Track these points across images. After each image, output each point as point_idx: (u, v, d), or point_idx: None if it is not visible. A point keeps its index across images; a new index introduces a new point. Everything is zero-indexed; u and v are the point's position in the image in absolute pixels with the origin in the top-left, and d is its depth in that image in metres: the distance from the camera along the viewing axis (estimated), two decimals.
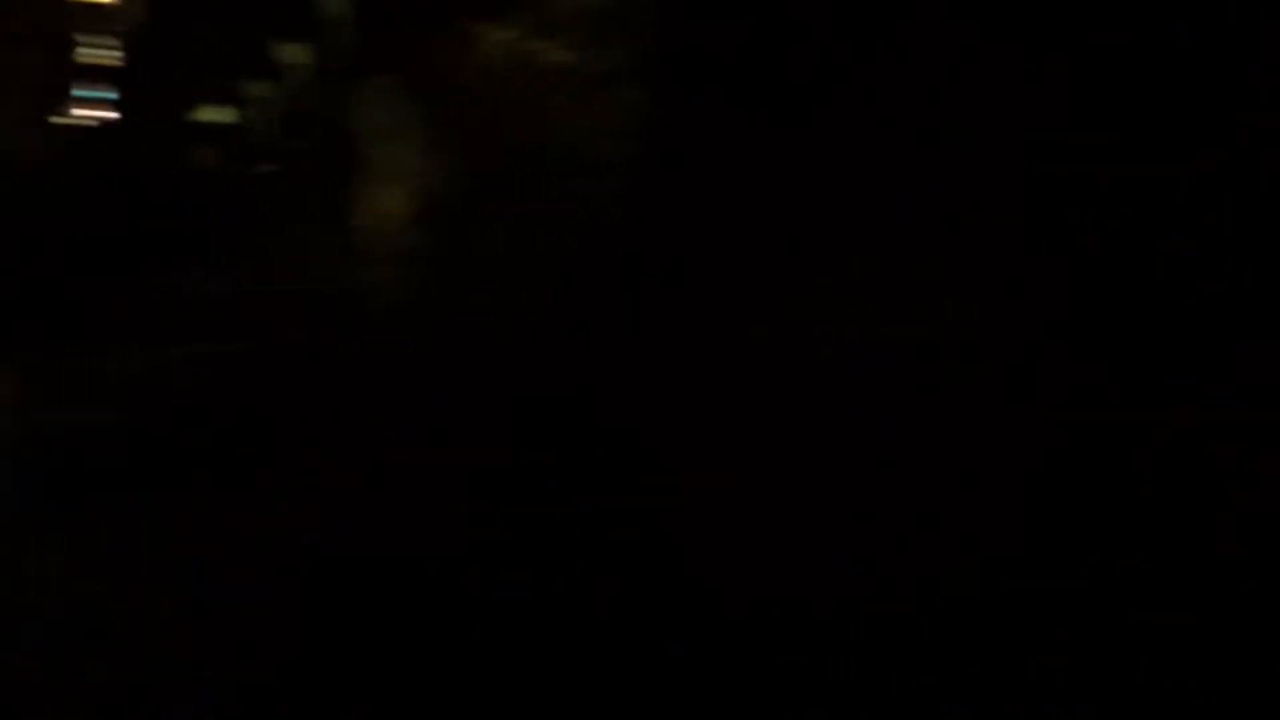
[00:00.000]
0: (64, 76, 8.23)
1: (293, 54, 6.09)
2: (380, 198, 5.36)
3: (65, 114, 8.46)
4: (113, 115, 8.27)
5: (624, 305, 4.87)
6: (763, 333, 4.52)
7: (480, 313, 5.01)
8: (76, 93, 8.35)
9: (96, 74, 8.42)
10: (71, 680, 4.64)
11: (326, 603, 4.67)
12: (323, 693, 4.25)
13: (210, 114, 6.80)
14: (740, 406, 4.38)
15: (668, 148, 5.01)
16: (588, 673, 3.89)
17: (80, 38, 8.27)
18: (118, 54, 8.12)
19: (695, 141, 5.01)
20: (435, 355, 5.06)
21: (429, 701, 4.03)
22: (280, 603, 4.72)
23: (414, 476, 4.86)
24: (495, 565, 4.44)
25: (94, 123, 8.38)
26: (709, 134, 5.02)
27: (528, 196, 4.99)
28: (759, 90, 4.90)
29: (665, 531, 4.21)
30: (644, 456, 4.42)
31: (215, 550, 5.06)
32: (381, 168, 5.33)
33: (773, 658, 3.66)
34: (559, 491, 4.54)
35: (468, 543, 4.60)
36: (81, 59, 8.22)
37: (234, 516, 5.16)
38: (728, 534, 4.13)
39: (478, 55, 5.18)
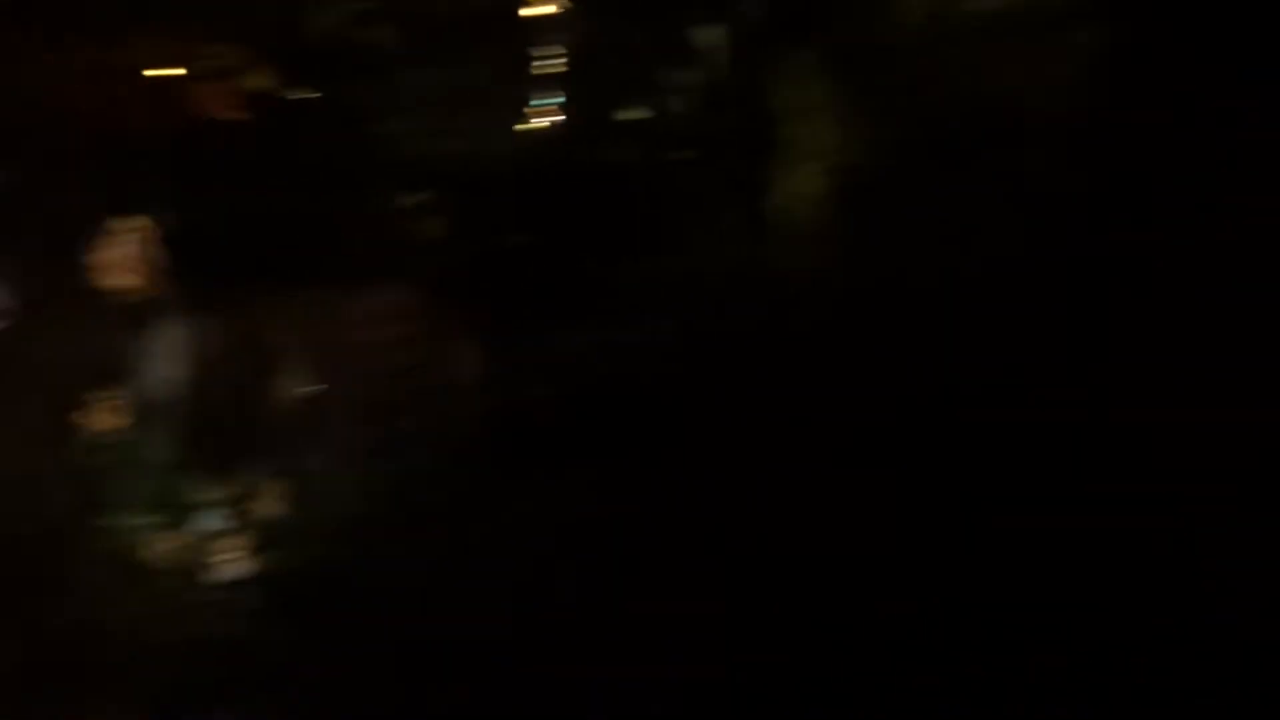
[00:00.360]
0: (520, 86, 8.96)
1: (709, 37, 6.10)
2: (798, 176, 5.14)
3: (524, 120, 9.24)
4: (556, 117, 8.85)
5: (1077, 291, 4.29)
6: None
7: (910, 298, 4.63)
8: (533, 102, 9.06)
9: (544, 81, 9.06)
10: (537, 631, 5.14)
11: (741, 593, 4.61)
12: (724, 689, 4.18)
13: (637, 107, 7.04)
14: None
15: (1130, 104, 4.34)
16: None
17: (531, 49, 8.93)
18: (559, 60, 8.68)
19: (1165, 96, 4.30)
20: (858, 341, 4.75)
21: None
22: (697, 587, 4.73)
23: (830, 469, 4.61)
24: (913, 573, 4.12)
25: (543, 125, 9.04)
26: (1182, 87, 4.28)
27: (961, 166, 4.53)
28: (1251, 32, 4.11)
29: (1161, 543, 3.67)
30: (1114, 466, 3.88)
31: (644, 524, 5.20)
32: (799, 145, 5.12)
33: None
34: (980, 500, 4.12)
35: (883, 543, 4.29)
36: (534, 70, 8.90)
37: (661, 495, 5.26)
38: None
39: (898, 11, 4.83)
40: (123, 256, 9.20)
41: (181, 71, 7.78)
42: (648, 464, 5.65)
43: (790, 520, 4.85)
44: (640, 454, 5.73)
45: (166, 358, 10.32)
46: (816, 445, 4.98)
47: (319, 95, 9.19)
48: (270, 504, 9.38)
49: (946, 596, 4.26)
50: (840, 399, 4.99)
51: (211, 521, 9.19)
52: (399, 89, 8.15)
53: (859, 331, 5.07)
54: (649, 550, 5.19)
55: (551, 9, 8.31)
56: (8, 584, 5.66)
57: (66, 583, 5.49)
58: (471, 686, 5.43)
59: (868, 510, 4.65)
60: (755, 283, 5.52)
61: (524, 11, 8.42)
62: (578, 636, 5.16)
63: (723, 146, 6.06)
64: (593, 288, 6.86)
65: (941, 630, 4.24)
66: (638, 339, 6.56)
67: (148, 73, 7.25)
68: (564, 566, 5.50)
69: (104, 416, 9.27)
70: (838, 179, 5.41)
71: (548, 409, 6.59)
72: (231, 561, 8.76)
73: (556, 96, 8.56)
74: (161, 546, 8.41)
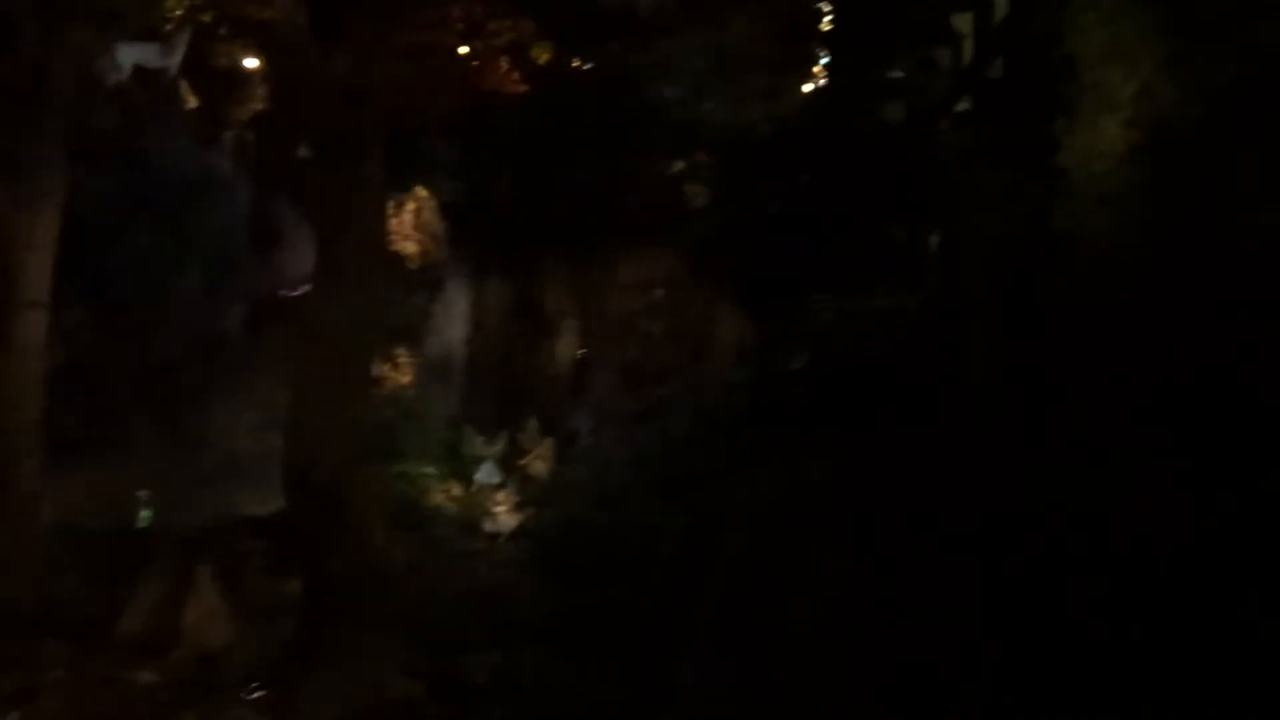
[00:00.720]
0: (803, 49, 8.75)
1: None
2: (1094, 130, 4.65)
3: (791, 82, 9.04)
4: (824, 80, 8.61)
5: None
6: None
7: (1227, 268, 4.10)
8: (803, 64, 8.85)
9: (813, 41, 8.83)
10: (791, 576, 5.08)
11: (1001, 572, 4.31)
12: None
13: (909, 62, 6.71)
14: None
15: None
16: None
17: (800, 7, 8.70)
18: (827, 18, 8.42)
19: None
20: (1155, 309, 4.26)
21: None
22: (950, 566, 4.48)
23: (1132, 449, 4.20)
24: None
25: (812, 87, 8.82)
26: None
27: None
28: None
29: None
30: None
31: (890, 496, 5.02)
32: (1095, 96, 4.62)
33: None
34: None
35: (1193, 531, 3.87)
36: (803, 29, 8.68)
37: (909, 468, 5.04)
38: None
39: None
40: (408, 225, 9.81)
41: (468, 49, 8.10)
42: (914, 438, 5.40)
43: (1063, 506, 4.49)
44: (904, 427, 5.49)
45: (450, 320, 10.94)
46: (1113, 431, 4.55)
47: (595, 66, 9.37)
48: (540, 462, 9.77)
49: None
50: (1143, 379, 4.53)
51: (487, 475, 9.68)
52: (670, 55, 8.13)
53: (1164, 304, 4.58)
54: (899, 525, 4.99)
55: None
56: (299, 524, 6.09)
57: (352, 526, 5.86)
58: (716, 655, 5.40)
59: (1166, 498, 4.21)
60: (1041, 249, 5.09)
61: None
62: (826, 603, 5.06)
63: (1005, 101, 5.62)
64: (861, 254, 6.61)
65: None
66: (906, 307, 6.28)
67: (441, 50, 7.59)
68: (813, 534, 5.39)
69: (394, 373, 9.94)
70: (1137, 131, 4.88)
71: (808, 377, 6.42)
72: (504, 515, 9.19)
73: (824, 57, 8.30)
74: (440, 497, 8.93)
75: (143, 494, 8.56)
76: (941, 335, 5.62)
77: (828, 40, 7.80)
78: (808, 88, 8.30)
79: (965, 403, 5.04)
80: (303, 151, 8.69)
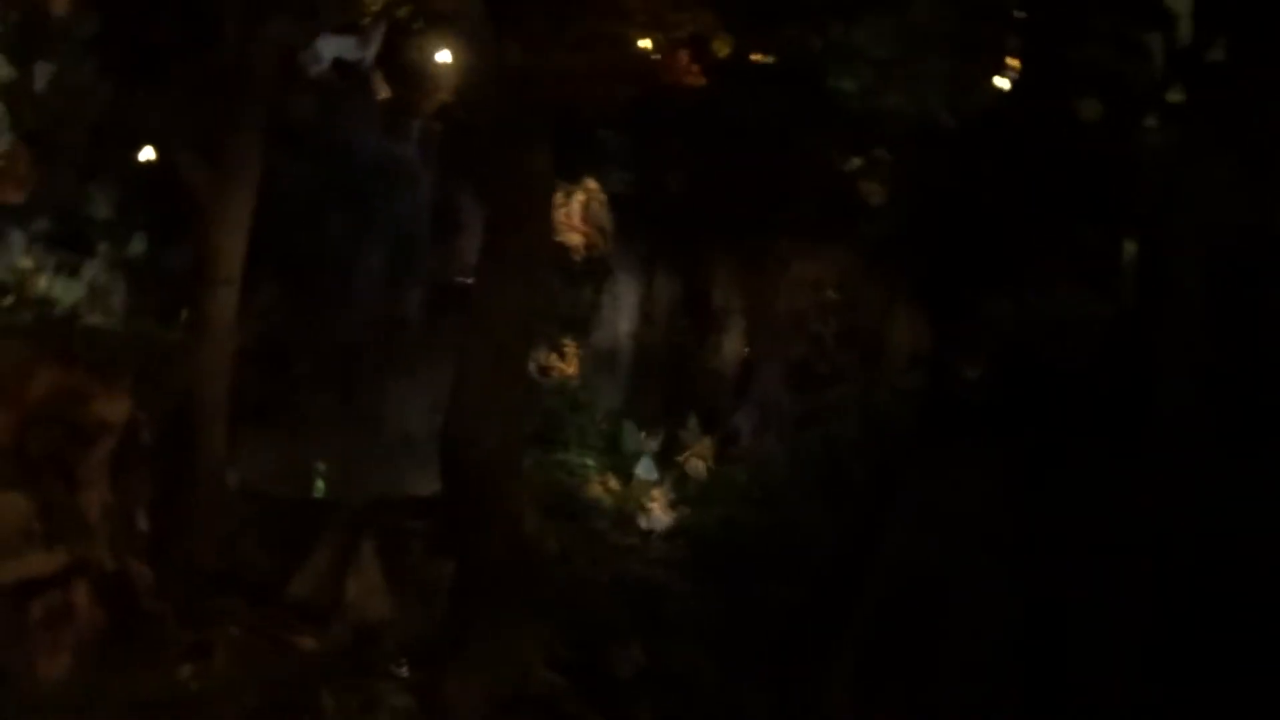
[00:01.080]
0: (993, 34, 8.34)
1: None
2: None
3: (997, 72, 8.61)
4: (1014, 72, 8.19)
5: None
6: None
7: None
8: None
9: (1000, 28, 8.41)
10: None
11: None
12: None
13: (1104, 54, 6.28)
14: None
15: None
16: None
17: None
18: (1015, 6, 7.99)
19: None
20: None
21: None
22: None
23: None
24: None
25: (1003, 80, 8.39)
26: None
27: None
28: None
29: None
30: None
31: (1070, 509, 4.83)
32: None
33: None
34: None
35: None
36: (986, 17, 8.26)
37: (1098, 484, 4.79)
38: None
39: None
40: (576, 216, 9.89)
41: (647, 42, 8.08)
42: (1103, 456, 5.10)
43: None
44: (1091, 444, 5.19)
45: (618, 313, 10.99)
46: None
47: (773, 57, 9.20)
48: (699, 460, 9.71)
49: None
50: None
51: (645, 470, 9.68)
52: (850, 42, 7.82)
53: None
54: (1076, 546, 4.75)
55: None
56: (451, 507, 6.23)
57: (503, 511, 5.95)
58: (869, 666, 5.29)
59: None
60: (1261, 257, 4.64)
61: None
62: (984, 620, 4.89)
63: (1227, 88, 5.14)
64: (1046, 256, 6.28)
65: None
66: (1099, 316, 5.94)
67: (618, 41, 7.61)
68: (985, 549, 5.20)
69: (560, 363, 10.07)
70: None
71: (987, 384, 6.18)
72: (660, 511, 9.17)
73: (1017, 43, 7.84)
74: (598, 489, 8.99)
75: (320, 466, 8.98)
76: (1139, 348, 5.28)
77: (1021, 25, 7.36)
78: (999, 81, 7.87)
79: (1163, 422, 4.72)
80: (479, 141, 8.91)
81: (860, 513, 6.37)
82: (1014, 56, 7.85)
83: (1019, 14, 7.45)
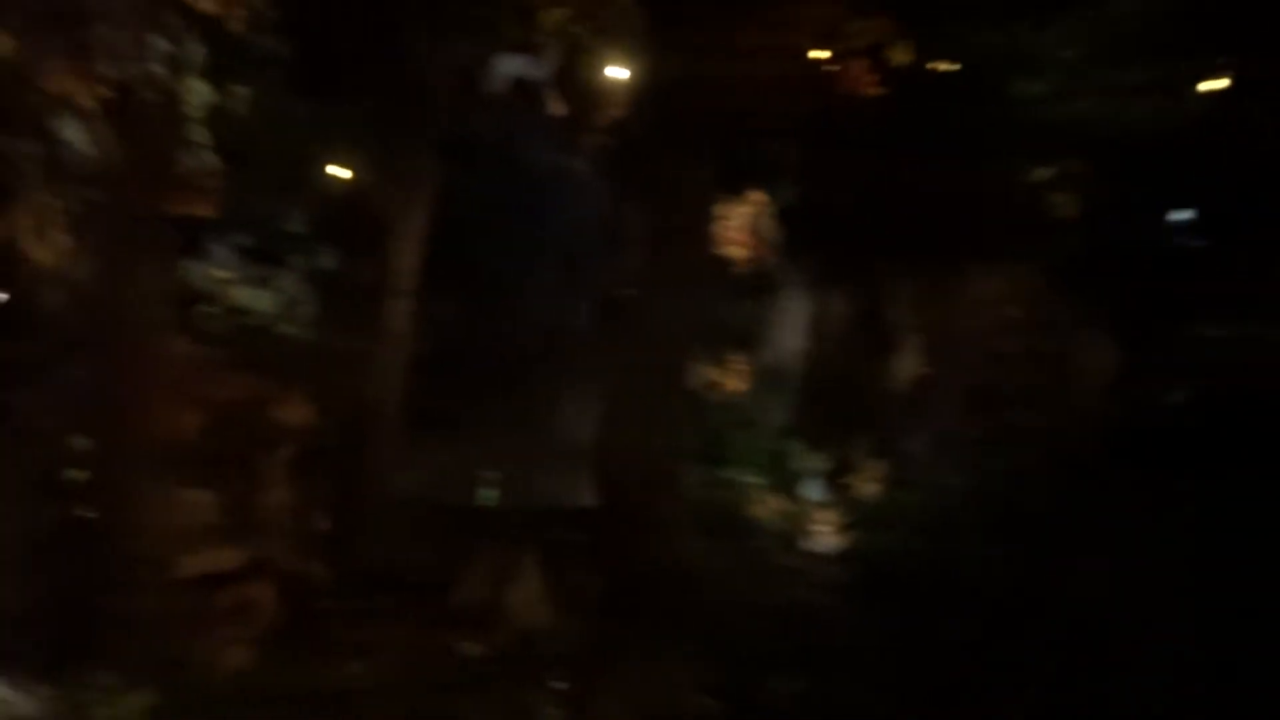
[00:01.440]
0: (1202, 32, 7.76)
1: None
2: None
3: (1206, 75, 8.04)
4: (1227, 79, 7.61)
5: None
6: None
7: None
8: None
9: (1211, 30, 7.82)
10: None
11: None
12: None
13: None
14: None
15: None
16: None
17: None
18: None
19: None
20: None
21: None
22: None
23: None
24: None
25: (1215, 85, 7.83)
26: None
27: None
28: None
29: None
30: None
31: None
32: None
33: None
34: None
35: None
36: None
37: None
38: None
39: None
40: (740, 229, 9.77)
41: (827, 53, 7.91)
42: None
43: None
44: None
45: (787, 329, 10.82)
46: None
47: (957, 68, 8.85)
48: (869, 483, 9.41)
49: None
50: None
51: (812, 491, 9.45)
52: (1037, 45, 7.42)
53: None
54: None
55: None
56: (606, 520, 6.23)
57: (657, 527, 5.90)
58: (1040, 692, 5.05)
59: None
60: None
61: None
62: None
63: None
64: (1249, 278, 5.86)
65: None
66: None
67: (790, 51, 7.48)
68: (1182, 594, 4.91)
69: (727, 379, 9.97)
70: None
71: (1180, 413, 5.81)
72: (826, 533, 8.93)
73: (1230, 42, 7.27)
74: (762, 509, 8.83)
75: (488, 474, 9.18)
76: None
77: (1235, 25, 6.83)
78: (1209, 85, 7.30)
79: None
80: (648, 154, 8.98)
81: (1043, 548, 6.06)
82: (1227, 58, 7.29)
83: (1231, 13, 6.92)
